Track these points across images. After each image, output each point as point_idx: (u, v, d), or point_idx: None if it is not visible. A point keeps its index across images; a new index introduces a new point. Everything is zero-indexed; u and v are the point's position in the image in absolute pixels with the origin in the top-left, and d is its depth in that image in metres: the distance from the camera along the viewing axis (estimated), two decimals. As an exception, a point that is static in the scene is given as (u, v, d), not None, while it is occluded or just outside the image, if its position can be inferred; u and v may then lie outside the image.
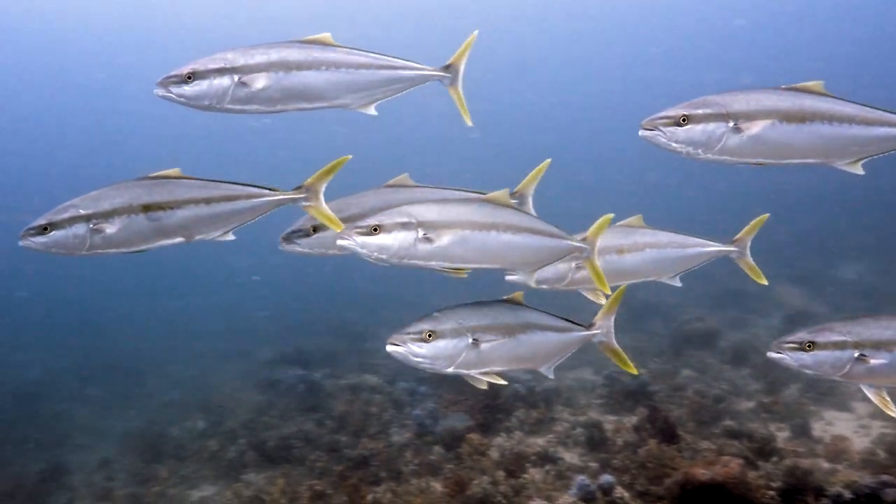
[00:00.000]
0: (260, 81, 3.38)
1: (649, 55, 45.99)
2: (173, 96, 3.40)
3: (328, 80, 3.51)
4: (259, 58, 3.41)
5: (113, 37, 44.25)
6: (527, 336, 3.62)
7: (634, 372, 3.96)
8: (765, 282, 4.15)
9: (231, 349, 16.98)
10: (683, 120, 3.18)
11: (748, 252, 4.22)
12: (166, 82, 3.40)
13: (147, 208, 3.43)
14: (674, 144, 3.21)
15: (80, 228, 3.39)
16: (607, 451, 8.31)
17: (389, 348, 3.36)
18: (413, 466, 8.48)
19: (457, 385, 9.73)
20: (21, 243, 3.46)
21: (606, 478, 7.16)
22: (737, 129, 3.15)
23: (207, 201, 3.55)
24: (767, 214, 4.13)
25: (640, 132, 3.24)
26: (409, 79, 3.71)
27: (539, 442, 8.74)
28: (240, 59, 3.39)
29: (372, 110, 3.71)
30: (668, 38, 46.00)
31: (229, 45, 3.50)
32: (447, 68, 3.75)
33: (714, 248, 4.24)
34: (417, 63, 3.73)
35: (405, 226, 3.27)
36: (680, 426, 8.49)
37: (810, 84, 3.30)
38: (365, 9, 41.14)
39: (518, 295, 3.79)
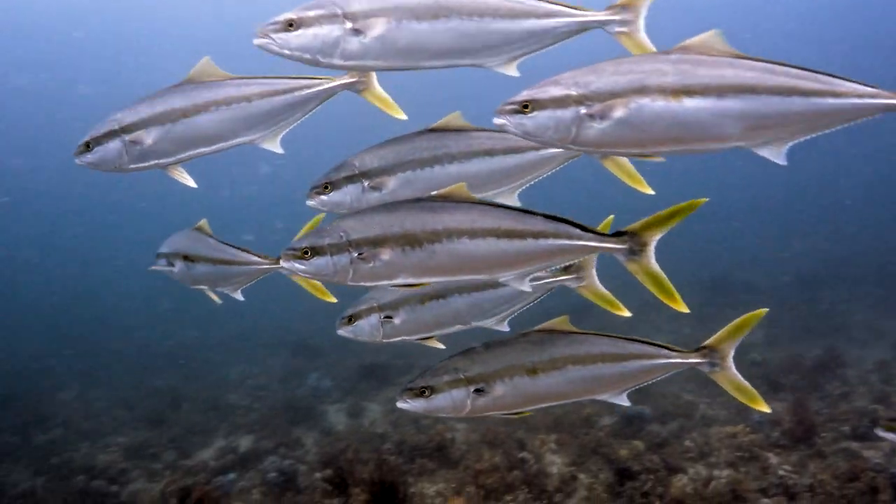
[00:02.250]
0: (150, 137, 3.50)
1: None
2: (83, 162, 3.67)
3: (221, 121, 3.55)
4: (144, 112, 3.53)
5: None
6: (452, 245, 3.07)
7: (766, 409, 3.30)
8: (766, 408, 3.32)
9: None
10: (291, 25, 2.97)
11: (730, 363, 3.38)
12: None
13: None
14: (287, 52, 3.01)
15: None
16: None
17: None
18: None
19: None
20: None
21: None
22: (356, 31, 2.93)
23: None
24: (765, 310, 3.29)
25: (254, 41, 3.05)
26: (312, 97, 3.64)
27: None
28: (126, 118, 3.54)
29: (277, 147, 3.68)
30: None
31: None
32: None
33: (675, 359, 3.45)
34: (318, 77, 3.63)
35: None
36: None
37: None
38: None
39: (458, 187, 3.17)
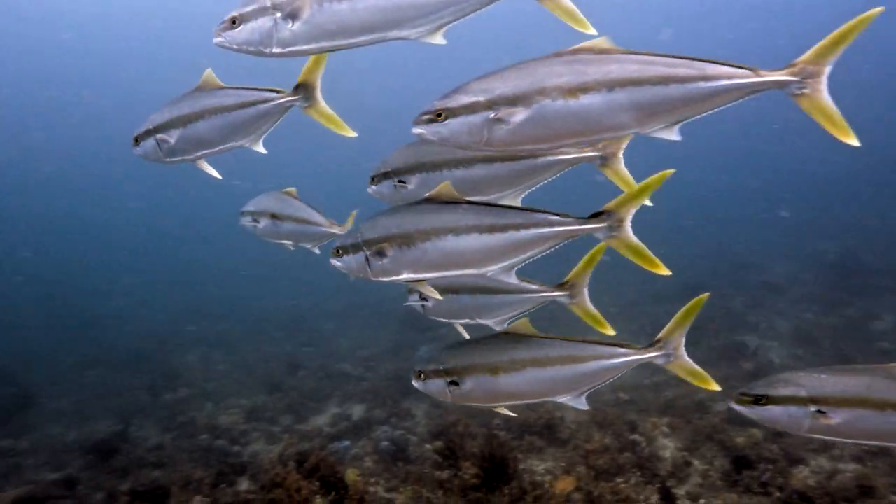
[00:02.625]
0: (171, 137, 3.98)
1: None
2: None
3: (212, 128, 3.94)
4: (166, 116, 4.01)
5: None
6: (444, 241, 3.35)
7: (716, 387, 3.49)
8: (716, 387, 3.47)
9: None
10: (234, 22, 3.17)
11: (683, 351, 3.58)
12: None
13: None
14: (236, 48, 3.21)
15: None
16: None
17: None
18: None
19: None
20: None
21: None
22: (285, 20, 3.10)
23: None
24: (707, 294, 3.49)
25: (213, 40, 3.23)
26: (270, 111, 3.93)
27: None
28: (155, 119, 4.03)
29: (260, 147, 4.01)
30: None
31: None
32: (298, 89, 3.83)
33: (633, 356, 3.66)
34: (273, 90, 3.92)
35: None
36: None
37: None
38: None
39: (444, 185, 3.43)
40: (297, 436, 11.48)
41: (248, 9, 3.15)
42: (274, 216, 5.12)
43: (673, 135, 2.90)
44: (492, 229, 3.34)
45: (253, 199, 5.26)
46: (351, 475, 8.06)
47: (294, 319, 21.43)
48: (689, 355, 3.67)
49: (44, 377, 18.91)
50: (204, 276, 35.55)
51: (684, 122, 2.91)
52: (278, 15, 3.10)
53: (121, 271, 39.59)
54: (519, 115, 2.85)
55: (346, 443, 10.70)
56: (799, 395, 3.15)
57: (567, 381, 3.72)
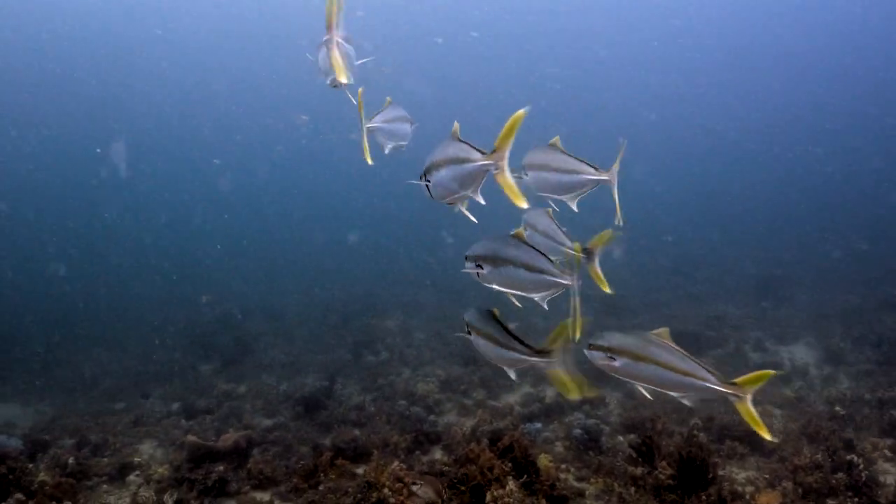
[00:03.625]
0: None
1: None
2: None
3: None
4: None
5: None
6: (506, 270, 4.56)
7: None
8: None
9: None
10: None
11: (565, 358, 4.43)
12: None
13: None
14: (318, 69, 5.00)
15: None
16: None
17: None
18: None
19: None
20: None
21: None
22: (318, 59, 4.92)
23: None
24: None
25: None
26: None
27: None
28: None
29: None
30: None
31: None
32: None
33: (532, 358, 4.58)
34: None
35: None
36: None
37: None
38: None
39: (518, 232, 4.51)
40: (489, 412, 11.80)
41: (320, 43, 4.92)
42: None
43: (479, 199, 4.04)
44: (530, 269, 4.48)
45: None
46: (543, 460, 8.19)
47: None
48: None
49: (262, 329, 20.78)
50: (408, 248, 37.21)
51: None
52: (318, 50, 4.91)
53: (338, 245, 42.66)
54: (432, 179, 4.20)
55: (538, 425, 10.86)
56: (602, 345, 4.36)
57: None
